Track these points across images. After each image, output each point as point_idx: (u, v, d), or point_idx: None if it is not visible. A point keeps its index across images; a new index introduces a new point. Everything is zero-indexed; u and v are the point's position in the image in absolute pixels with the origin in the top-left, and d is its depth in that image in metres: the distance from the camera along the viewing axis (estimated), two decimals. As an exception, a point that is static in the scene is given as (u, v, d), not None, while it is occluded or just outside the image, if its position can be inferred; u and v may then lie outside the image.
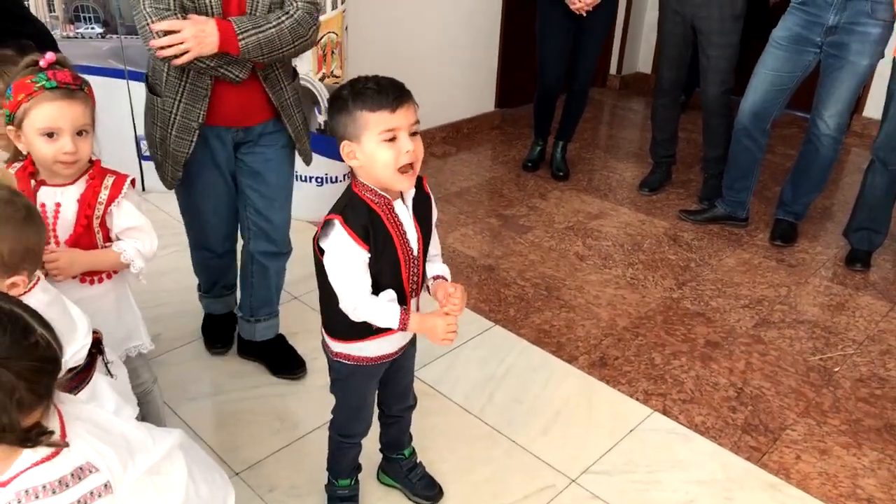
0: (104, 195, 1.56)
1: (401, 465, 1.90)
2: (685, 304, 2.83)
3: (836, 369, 2.49)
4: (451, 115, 4.41)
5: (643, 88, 5.34)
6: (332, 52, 3.02)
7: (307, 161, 2.18)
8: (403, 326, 1.48)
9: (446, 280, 1.60)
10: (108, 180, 1.57)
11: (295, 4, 1.87)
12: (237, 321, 2.47)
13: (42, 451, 0.97)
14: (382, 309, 1.47)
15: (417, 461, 1.92)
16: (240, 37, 1.77)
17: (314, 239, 1.48)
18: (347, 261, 1.44)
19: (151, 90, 1.97)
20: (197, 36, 1.73)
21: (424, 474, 1.92)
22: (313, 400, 2.22)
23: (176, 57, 1.75)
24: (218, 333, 2.45)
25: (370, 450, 1.87)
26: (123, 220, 1.58)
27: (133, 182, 1.62)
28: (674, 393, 2.35)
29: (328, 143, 3.15)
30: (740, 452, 2.11)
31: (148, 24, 1.75)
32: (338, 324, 1.54)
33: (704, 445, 2.13)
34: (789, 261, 3.19)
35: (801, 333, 2.68)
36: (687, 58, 3.47)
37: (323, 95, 3.06)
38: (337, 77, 3.06)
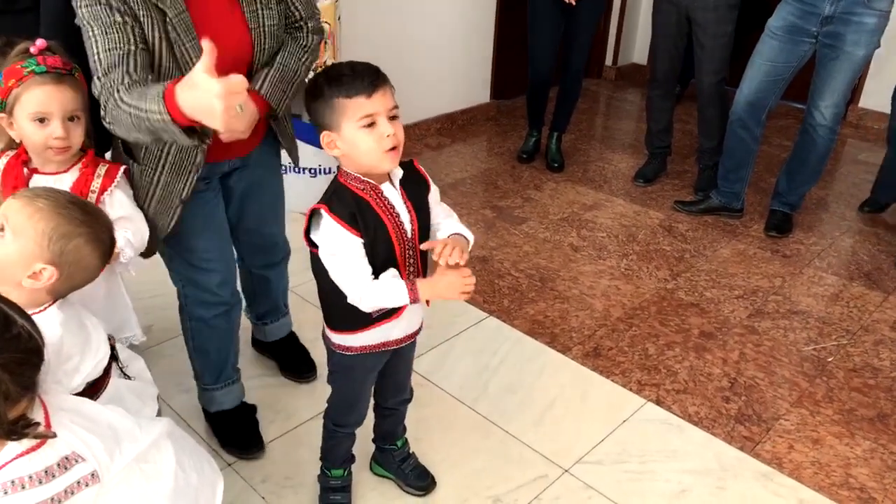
0: (97, 184, 1.55)
1: (393, 456, 1.90)
2: (679, 295, 2.83)
3: (830, 359, 2.49)
4: (446, 105, 4.39)
5: (639, 79, 5.34)
6: (326, 43, 3.00)
7: (297, 162, 2.01)
8: (414, 297, 1.42)
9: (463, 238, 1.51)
10: (101, 169, 1.56)
11: (306, 30, 1.73)
12: (255, 411, 2.09)
13: (27, 442, 0.96)
14: (388, 289, 1.42)
15: (410, 451, 1.92)
16: (277, 109, 1.68)
17: (304, 231, 1.47)
18: (343, 251, 1.41)
19: (124, 148, 1.65)
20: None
21: (417, 464, 1.92)
22: (308, 391, 2.22)
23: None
24: (244, 433, 2.02)
25: (363, 440, 1.86)
26: (115, 209, 1.57)
27: (126, 171, 1.61)
28: (667, 383, 2.35)
29: (322, 134, 3.14)
30: (733, 442, 2.12)
31: (102, 118, 1.44)
32: (338, 315, 1.53)
33: (698, 435, 2.13)
34: (784, 251, 3.19)
35: (796, 324, 2.68)
36: (681, 48, 3.45)
37: (316, 86, 3.04)
38: (330, 67, 3.05)
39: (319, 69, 2.99)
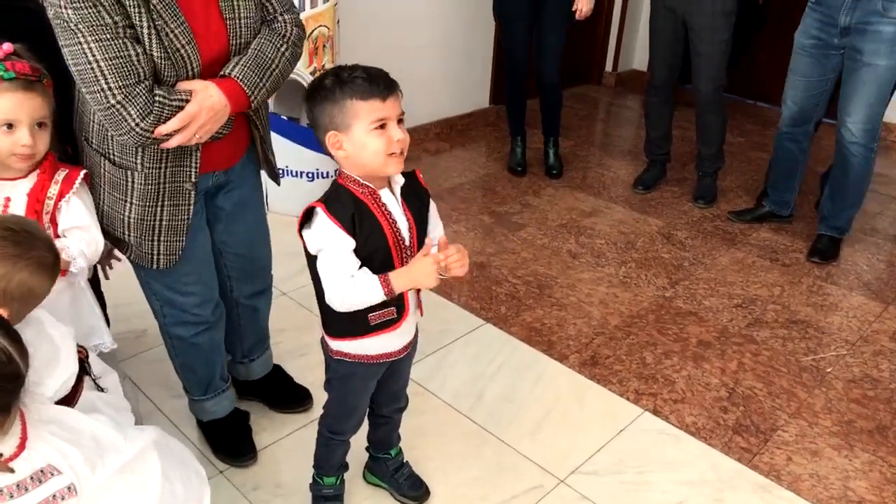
0: (54, 190, 1.51)
1: (387, 465, 1.88)
2: (678, 304, 2.81)
3: (829, 370, 2.47)
4: (445, 110, 4.38)
5: (639, 86, 5.31)
6: (324, 46, 2.98)
7: (278, 182, 1.95)
8: (388, 291, 1.41)
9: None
10: (60, 175, 1.52)
11: (282, 21, 1.63)
12: (248, 418, 2.07)
13: None
14: (363, 286, 1.40)
15: (404, 461, 1.90)
16: (251, 96, 1.56)
17: (298, 230, 1.44)
18: (330, 247, 1.40)
19: (115, 163, 1.57)
20: (208, 120, 1.48)
21: (411, 474, 1.89)
22: (300, 397, 2.20)
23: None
24: (236, 441, 2.00)
25: (356, 448, 1.84)
26: (70, 218, 1.52)
27: (87, 177, 1.57)
28: (665, 393, 2.32)
29: (319, 138, 3.12)
30: (731, 453, 2.09)
31: (136, 127, 1.42)
32: (336, 321, 1.52)
33: (695, 446, 2.11)
34: (783, 260, 3.17)
35: (794, 333, 2.66)
36: (679, 54, 3.44)
37: (314, 90, 3.02)
38: (328, 71, 3.03)
39: (318, 73, 2.99)
